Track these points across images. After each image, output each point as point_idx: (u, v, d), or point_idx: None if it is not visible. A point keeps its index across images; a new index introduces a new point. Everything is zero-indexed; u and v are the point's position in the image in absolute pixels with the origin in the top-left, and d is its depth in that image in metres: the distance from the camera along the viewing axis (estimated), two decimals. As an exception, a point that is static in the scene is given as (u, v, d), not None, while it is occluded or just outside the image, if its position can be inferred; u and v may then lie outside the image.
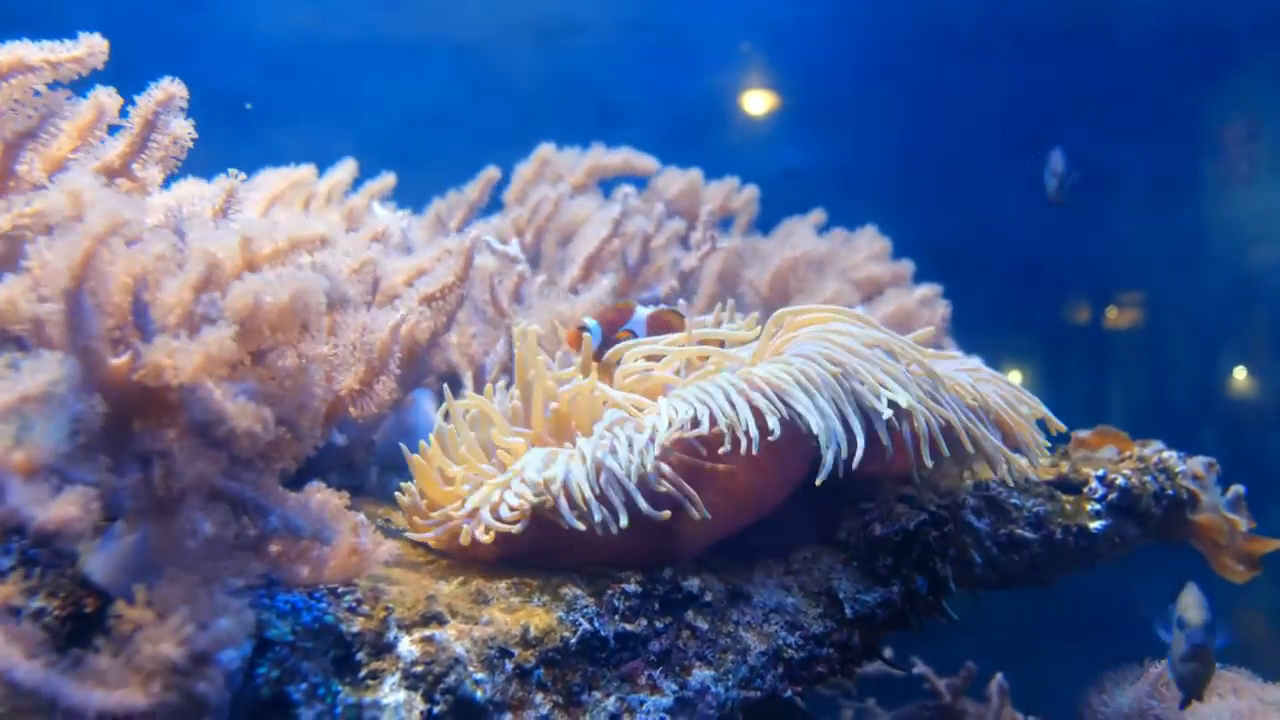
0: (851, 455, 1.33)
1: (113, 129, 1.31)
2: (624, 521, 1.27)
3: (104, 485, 0.96)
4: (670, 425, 1.32)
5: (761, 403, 1.33)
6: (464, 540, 1.33)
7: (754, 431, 1.30)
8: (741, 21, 4.46)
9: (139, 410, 0.97)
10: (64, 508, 0.88)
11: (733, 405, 1.33)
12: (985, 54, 4.36)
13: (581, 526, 1.28)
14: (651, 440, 1.31)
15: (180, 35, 3.93)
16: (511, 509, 1.31)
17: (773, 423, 1.31)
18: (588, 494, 1.28)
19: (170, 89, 1.29)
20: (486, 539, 1.31)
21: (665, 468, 1.32)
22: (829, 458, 1.32)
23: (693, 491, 1.33)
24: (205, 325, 0.94)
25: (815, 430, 1.32)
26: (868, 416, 1.38)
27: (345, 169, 2.27)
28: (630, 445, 1.31)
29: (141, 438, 0.97)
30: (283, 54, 4.06)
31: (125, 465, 0.99)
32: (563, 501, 1.28)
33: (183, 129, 1.31)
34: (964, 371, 1.60)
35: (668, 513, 1.29)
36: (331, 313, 1.07)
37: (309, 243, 1.05)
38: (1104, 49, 4.34)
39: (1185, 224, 4.23)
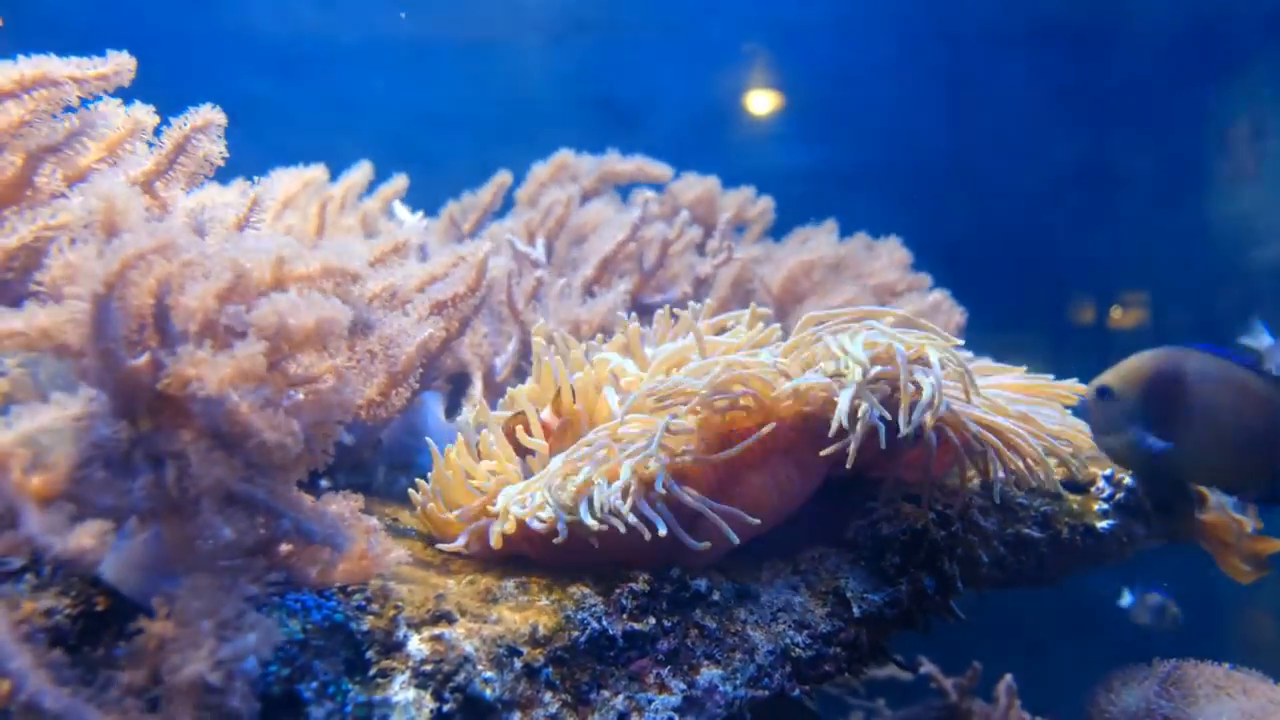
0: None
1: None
2: (663, 531, 1.28)
3: (119, 508, 0.96)
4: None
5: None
6: (495, 544, 1.35)
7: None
8: (747, 21, 4.46)
9: (153, 411, 0.97)
10: (80, 539, 0.89)
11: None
12: (991, 53, 4.37)
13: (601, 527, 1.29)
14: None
15: (187, 34, 3.94)
16: (541, 521, 1.32)
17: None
18: (615, 504, 1.29)
19: (209, 116, 1.30)
20: (510, 530, 1.34)
21: (688, 494, 1.32)
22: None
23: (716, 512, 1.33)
24: (231, 336, 0.95)
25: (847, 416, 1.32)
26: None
27: (361, 172, 2.28)
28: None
29: (155, 438, 0.97)
30: (291, 53, 4.08)
31: (138, 465, 1.00)
32: (589, 520, 1.30)
33: (214, 149, 1.32)
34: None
35: (706, 545, 1.30)
36: (352, 338, 1.08)
37: (340, 275, 1.06)
38: (1109, 48, 4.34)
39: (1190, 223, 4.23)
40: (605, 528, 1.28)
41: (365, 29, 4.16)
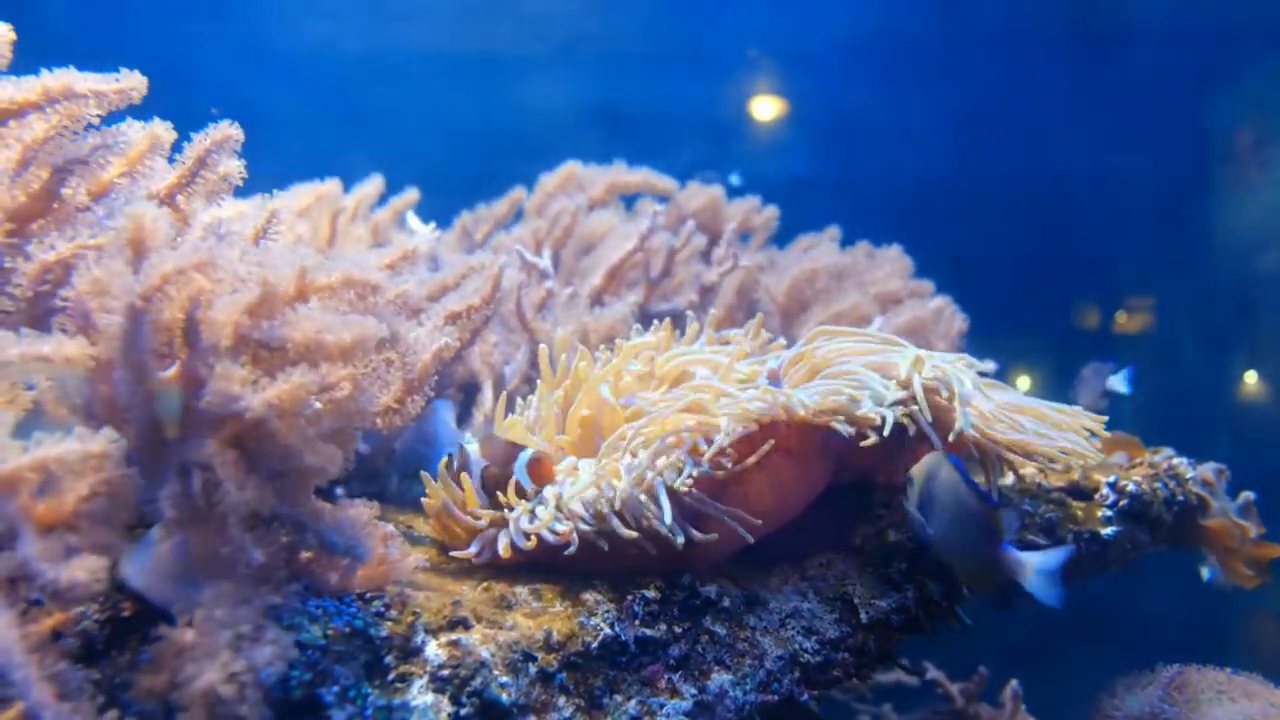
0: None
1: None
2: (680, 540, 1.32)
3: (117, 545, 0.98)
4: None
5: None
6: (504, 554, 1.38)
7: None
8: (753, 31, 4.49)
9: (180, 421, 0.99)
10: (74, 572, 0.91)
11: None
12: (995, 60, 4.39)
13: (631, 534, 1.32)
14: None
15: (199, 47, 3.98)
16: (557, 534, 1.35)
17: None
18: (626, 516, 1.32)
19: (228, 131, 1.33)
20: (529, 544, 1.37)
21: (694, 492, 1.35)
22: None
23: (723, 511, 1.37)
24: (262, 350, 0.97)
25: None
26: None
27: (373, 184, 2.32)
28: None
29: (182, 447, 0.99)
30: (299, 66, 4.12)
31: (163, 473, 1.02)
32: (616, 522, 1.33)
33: (234, 167, 1.35)
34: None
35: (713, 536, 1.33)
36: (379, 350, 1.10)
37: (360, 286, 1.08)
38: (1112, 55, 4.36)
39: (1194, 228, 4.25)
40: (637, 534, 1.31)
41: (375, 42, 4.20)
